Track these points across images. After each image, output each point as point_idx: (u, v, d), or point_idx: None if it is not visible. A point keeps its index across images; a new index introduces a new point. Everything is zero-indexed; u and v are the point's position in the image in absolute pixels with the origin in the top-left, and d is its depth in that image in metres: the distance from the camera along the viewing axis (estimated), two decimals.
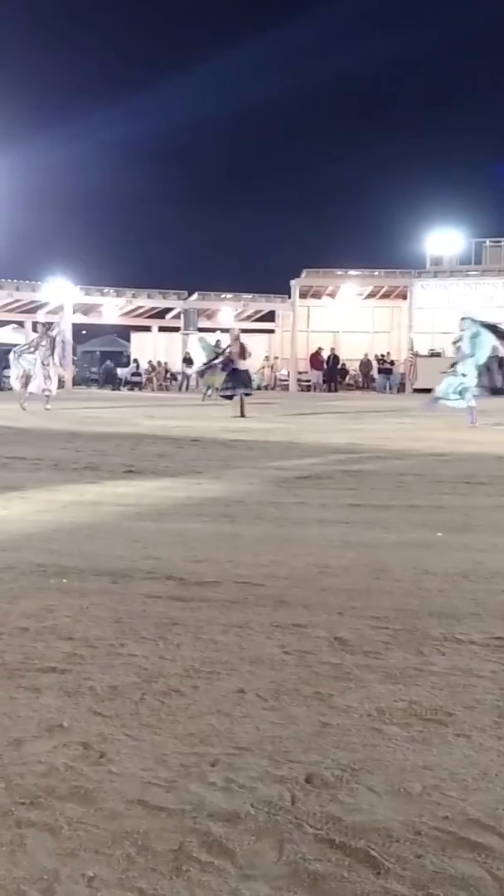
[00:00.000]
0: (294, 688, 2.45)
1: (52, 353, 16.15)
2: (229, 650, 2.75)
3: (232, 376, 15.21)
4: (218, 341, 19.90)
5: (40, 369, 16.15)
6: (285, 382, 33.90)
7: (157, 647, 2.77)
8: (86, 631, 2.92)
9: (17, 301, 33.08)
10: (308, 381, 33.43)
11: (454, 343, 13.67)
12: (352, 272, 34.04)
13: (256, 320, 36.82)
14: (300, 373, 33.66)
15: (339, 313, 34.71)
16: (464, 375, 12.94)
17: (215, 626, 2.97)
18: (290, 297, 33.80)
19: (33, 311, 32.79)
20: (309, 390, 32.69)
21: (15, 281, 32.46)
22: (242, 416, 14.47)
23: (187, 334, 33.27)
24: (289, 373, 33.75)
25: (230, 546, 4.26)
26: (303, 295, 33.85)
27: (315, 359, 32.82)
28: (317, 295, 34.68)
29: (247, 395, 15.13)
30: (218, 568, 3.79)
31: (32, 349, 16.50)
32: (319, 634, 2.90)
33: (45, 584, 3.50)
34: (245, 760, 2.02)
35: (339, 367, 32.92)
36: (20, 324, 33.43)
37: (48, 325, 16.96)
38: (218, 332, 29.19)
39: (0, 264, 34.39)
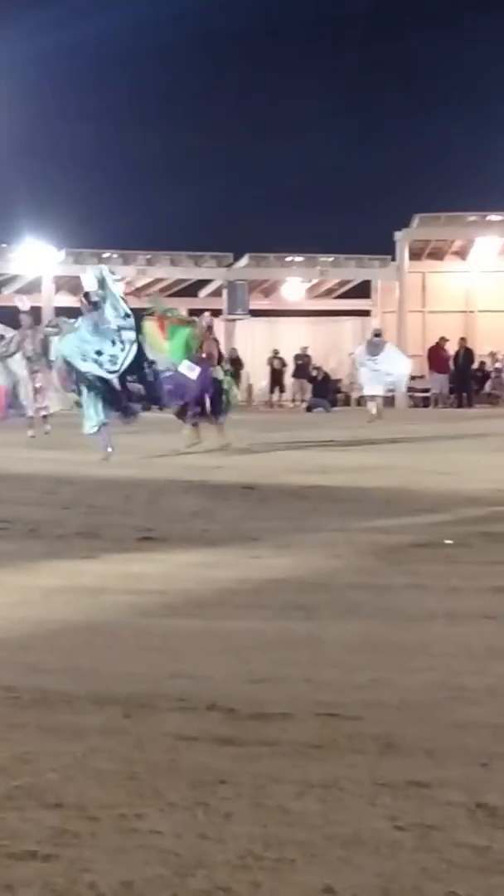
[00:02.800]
0: (414, 885, 2.44)
1: (45, 356, 17.06)
2: (308, 824, 2.75)
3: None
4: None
5: (28, 378, 17.15)
6: (389, 393, 33.78)
7: (193, 820, 2.78)
8: (82, 793, 2.94)
9: None
10: (426, 389, 33.33)
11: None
12: (494, 216, 33.91)
13: (341, 297, 36.87)
14: (413, 377, 33.52)
15: (474, 282, 34.59)
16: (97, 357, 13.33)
17: (285, 786, 2.98)
18: (394, 259, 33.83)
19: None
20: (427, 405, 32.61)
21: None
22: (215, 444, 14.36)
23: (234, 320, 33.54)
24: None
25: (307, 657, 4.27)
26: (415, 255, 33.88)
27: (437, 355, 32.76)
28: (437, 254, 34.71)
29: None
30: (288, 692, 3.81)
31: (14, 349, 17.31)
32: (453, 799, 2.89)
33: (20, 720, 3.54)
34: None
35: (477, 367, 32.78)
36: None
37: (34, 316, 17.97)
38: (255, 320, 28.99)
39: None
